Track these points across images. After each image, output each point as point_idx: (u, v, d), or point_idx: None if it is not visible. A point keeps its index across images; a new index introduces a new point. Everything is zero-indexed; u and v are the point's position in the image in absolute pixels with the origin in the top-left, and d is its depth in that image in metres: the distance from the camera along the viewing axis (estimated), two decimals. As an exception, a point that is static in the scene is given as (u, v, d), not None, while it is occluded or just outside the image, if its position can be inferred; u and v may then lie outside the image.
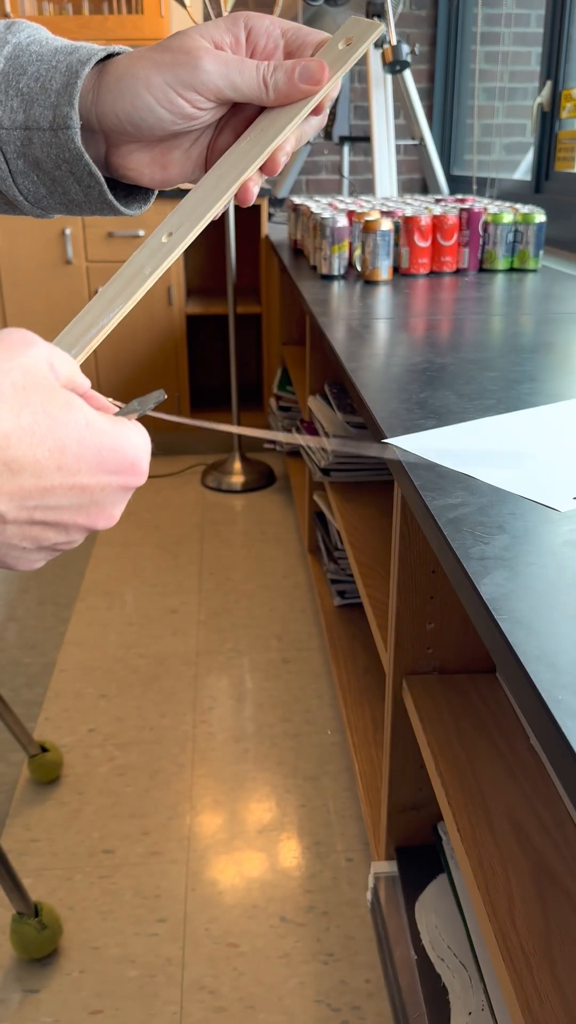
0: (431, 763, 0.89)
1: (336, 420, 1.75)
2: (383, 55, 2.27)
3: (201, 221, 0.46)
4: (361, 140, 3.09)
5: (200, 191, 0.47)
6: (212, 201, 0.47)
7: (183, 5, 2.42)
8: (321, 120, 0.50)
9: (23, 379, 0.33)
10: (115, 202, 0.50)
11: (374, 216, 1.84)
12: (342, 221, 1.89)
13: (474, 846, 0.78)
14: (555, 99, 2.32)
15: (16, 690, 1.84)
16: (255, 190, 0.49)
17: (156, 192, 0.54)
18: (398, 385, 1.05)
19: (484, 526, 0.66)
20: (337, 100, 2.92)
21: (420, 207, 2.02)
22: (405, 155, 3.33)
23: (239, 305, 3.17)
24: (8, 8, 2.83)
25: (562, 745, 0.43)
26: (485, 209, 1.95)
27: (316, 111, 0.49)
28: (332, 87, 0.48)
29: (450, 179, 3.27)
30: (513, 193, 2.63)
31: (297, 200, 2.44)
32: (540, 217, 1.93)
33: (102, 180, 0.48)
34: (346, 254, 1.91)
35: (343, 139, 3.10)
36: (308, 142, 0.51)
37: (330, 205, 2.19)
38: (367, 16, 2.29)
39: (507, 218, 1.92)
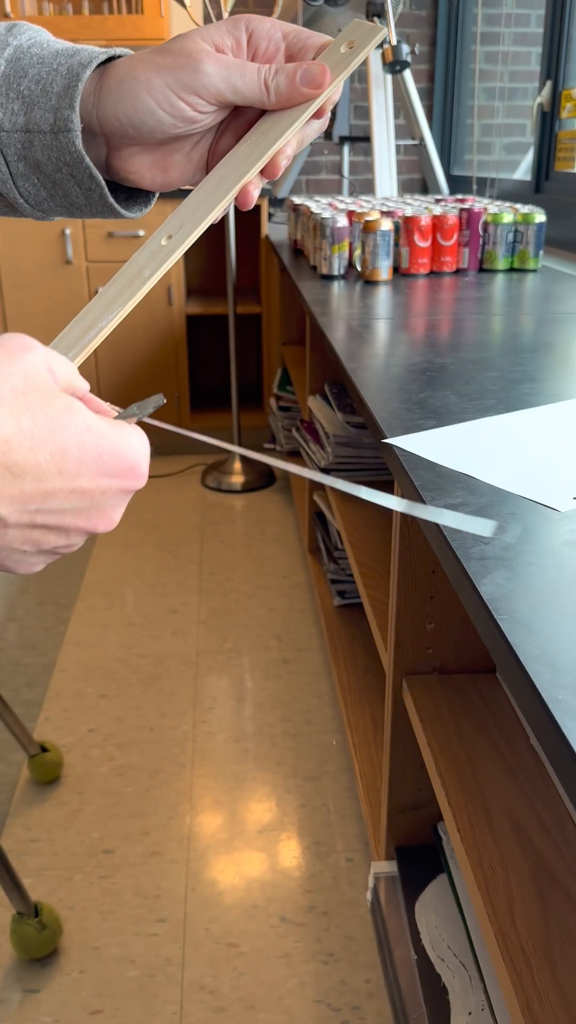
0: (431, 763, 0.89)
1: (336, 420, 1.75)
2: (383, 55, 2.27)
3: (201, 224, 0.47)
4: (361, 140, 3.10)
5: (200, 194, 0.48)
6: (212, 204, 0.47)
7: (183, 5, 2.42)
8: (322, 124, 0.50)
9: (23, 383, 0.33)
10: (116, 205, 0.50)
11: (374, 216, 1.84)
12: (342, 221, 1.89)
13: (474, 846, 0.78)
14: (555, 99, 2.32)
15: (16, 690, 1.85)
16: (255, 193, 0.48)
17: (157, 195, 0.54)
18: (398, 385, 1.05)
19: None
20: (337, 101, 2.92)
21: (420, 207, 2.02)
22: (405, 155, 3.33)
23: (239, 305, 3.17)
24: (8, 8, 2.83)
25: (562, 745, 0.43)
26: (485, 209, 1.95)
27: (318, 115, 0.49)
28: (334, 91, 0.48)
29: (450, 179, 3.27)
30: (513, 193, 2.63)
31: (297, 200, 2.44)
32: (540, 217, 1.93)
33: (103, 183, 0.48)
34: (346, 254, 1.91)
35: (343, 139, 3.10)
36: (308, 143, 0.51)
37: (330, 205, 2.19)
38: (367, 16, 2.29)
39: (507, 218, 1.92)
